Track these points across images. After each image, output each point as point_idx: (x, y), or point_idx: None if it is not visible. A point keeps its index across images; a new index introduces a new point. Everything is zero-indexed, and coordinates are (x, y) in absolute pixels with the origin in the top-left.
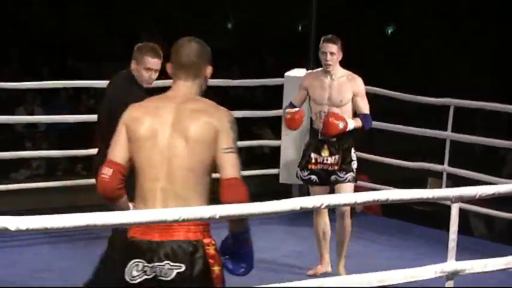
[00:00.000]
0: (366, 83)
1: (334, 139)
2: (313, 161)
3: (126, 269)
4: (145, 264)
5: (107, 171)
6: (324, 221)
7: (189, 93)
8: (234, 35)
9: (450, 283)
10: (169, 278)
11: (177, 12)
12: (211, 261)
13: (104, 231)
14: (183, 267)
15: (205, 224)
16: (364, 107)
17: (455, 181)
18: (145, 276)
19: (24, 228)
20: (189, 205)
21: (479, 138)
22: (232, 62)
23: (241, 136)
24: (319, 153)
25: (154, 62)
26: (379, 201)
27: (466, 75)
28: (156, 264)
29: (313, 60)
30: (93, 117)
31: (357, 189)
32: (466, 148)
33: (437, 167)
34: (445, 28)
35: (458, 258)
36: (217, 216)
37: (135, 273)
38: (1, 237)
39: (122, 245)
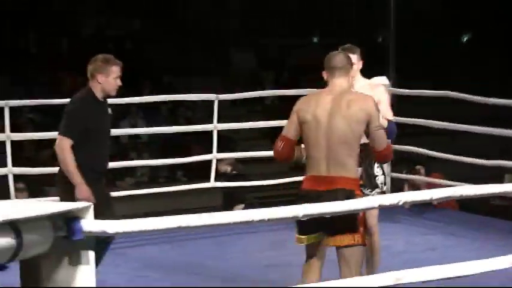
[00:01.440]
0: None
1: None
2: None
3: None
4: None
5: (280, 144)
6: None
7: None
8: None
9: None
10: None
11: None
12: None
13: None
14: None
15: (357, 181)
16: (387, 113)
17: None
18: None
19: (121, 230)
20: (346, 169)
21: None
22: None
23: None
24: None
25: (120, 69)
26: (454, 197)
27: None
28: None
29: (392, 69)
30: (191, 128)
31: (432, 186)
32: None
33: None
34: None
35: None
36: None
37: None
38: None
39: (299, 194)
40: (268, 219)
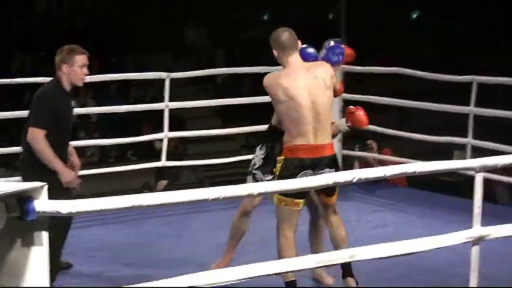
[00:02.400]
0: (394, 65)
1: None
2: None
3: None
4: (312, 172)
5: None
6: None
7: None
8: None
9: (476, 248)
10: None
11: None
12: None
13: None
14: (333, 169)
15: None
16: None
17: (480, 153)
18: None
19: (74, 211)
20: (328, 136)
21: (500, 112)
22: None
23: None
24: None
25: (86, 58)
26: (407, 173)
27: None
28: (319, 171)
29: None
30: (141, 107)
31: (383, 163)
32: (490, 122)
33: (462, 140)
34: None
35: (484, 224)
36: None
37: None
38: None
39: (292, 163)
40: (223, 198)
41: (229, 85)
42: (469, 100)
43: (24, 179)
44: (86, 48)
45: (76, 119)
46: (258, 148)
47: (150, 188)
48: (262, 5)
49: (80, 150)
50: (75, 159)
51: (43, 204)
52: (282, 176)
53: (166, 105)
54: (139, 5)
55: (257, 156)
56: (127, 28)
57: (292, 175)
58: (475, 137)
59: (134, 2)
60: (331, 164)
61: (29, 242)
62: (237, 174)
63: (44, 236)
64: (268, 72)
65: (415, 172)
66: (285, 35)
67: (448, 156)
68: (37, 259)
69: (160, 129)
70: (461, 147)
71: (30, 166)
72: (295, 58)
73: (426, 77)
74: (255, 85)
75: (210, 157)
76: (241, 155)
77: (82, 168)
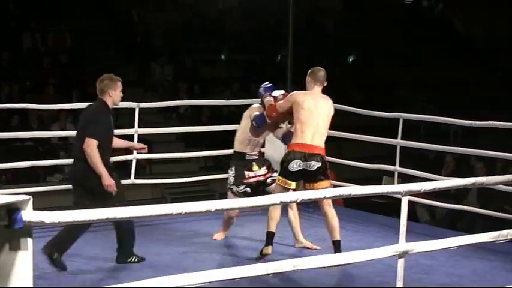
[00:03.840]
0: (336, 103)
1: (257, 157)
2: (246, 176)
3: (289, 165)
4: (301, 162)
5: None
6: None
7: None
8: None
9: (401, 261)
10: (312, 169)
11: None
12: (327, 164)
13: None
14: (320, 164)
15: (324, 150)
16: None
17: (405, 179)
18: (300, 168)
19: (56, 221)
20: (322, 142)
21: (423, 144)
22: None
23: None
24: (250, 170)
25: (121, 84)
26: (343, 196)
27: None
28: (307, 162)
29: (289, 84)
30: (114, 132)
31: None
32: (414, 153)
33: (390, 167)
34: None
35: (408, 240)
36: None
37: (295, 166)
38: (37, 229)
39: (289, 152)
40: (185, 212)
41: (190, 114)
42: (396, 133)
43: (76, 184)
44: (68, 79)
45: (57, 140)
46: (229, 170)
47: None
48: (219, 48)
49: (59, 168)
50: (134, 145)
51: (29, 214)
52: (282, 162)
53: (136, 130)
54: (111, 42)
55: (230, 176)
56: (103, 63)
57: (286, 162)
58: (400, 165)
59: (104, 41)
60: (318, 159)
61: (15, 248)
62: (196, 192)
63: (29, 242)
64: (224, 105)
65: (350, 195)
66: (321, 73)
67: (379, 181)
68: (22, 263)
69: (130, 151)
70: (390, 174)
71: (82, 173)
72: (318, 89)
73: (360, 112)
74: (212, 115)
75: (173, 176)
76: (200, 175)
77: (62, 184)
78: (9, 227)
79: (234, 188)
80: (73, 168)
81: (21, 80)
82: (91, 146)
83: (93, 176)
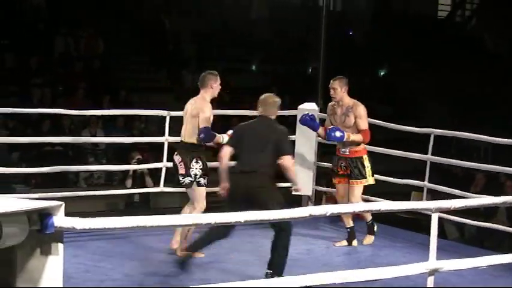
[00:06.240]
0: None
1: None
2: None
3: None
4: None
5: None
6: None
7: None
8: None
9: (431, 279)
10: None
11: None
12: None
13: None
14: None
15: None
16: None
17: (434, 195)
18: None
19: (87, 227)
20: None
21: (453, 161)
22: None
23: None
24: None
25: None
26: (373, 211)
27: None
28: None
29: (320, 96)
30: (144, 139)
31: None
32: (444, 169)
33: (419, 183)
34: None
35: (437, 257)
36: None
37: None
38: (68, 234)
39: None
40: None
41: (218, 124)
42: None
43: (265, 197)
44: (99, 84)
45: (88, 145)
46: (193, 162)
47: None
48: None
49: (89, 173)
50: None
51: (61, 220)
52: None
53: (166, 138)
54: (141, 50)
55: (196, 168)
56: (134, 69)
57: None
58: (430, 181)
59: (132, 49)
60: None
61: (46, 252)
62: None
63: (60, 247)
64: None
65: (379, 210)
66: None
67: (408, 197)
68: (53, 267)
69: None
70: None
71: (271, 186)
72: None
73: (391, 127)
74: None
75: None
76: None
77: (90, 189)
78: (41, 232)
79: (202, 181)
80: (261, 184)
81: (53, 85)
82: (292, 162)
83: (276, 189)
